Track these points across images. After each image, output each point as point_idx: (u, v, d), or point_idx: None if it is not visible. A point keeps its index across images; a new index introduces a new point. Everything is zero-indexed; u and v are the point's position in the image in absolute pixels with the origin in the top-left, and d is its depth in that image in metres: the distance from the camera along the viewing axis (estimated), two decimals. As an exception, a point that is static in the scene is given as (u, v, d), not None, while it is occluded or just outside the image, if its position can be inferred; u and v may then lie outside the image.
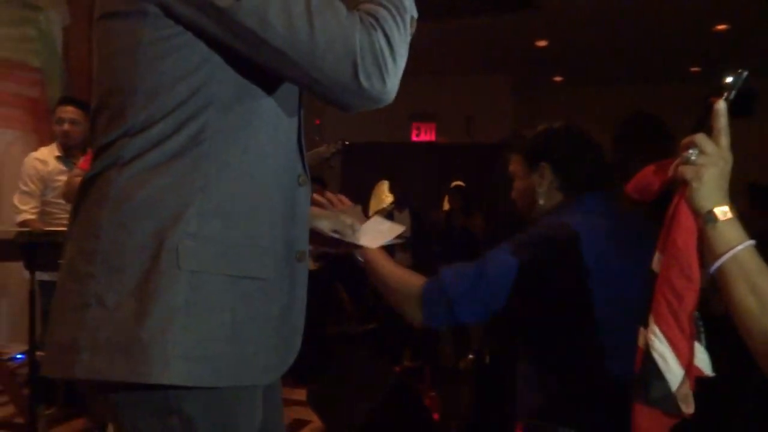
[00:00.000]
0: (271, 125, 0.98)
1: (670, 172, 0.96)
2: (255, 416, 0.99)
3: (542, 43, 5.97)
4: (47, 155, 3.16)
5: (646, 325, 0.99)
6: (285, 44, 0.86)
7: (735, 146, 0.97)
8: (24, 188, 3.10)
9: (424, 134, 7.29)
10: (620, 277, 1.38)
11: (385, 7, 0.91)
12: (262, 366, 0.95)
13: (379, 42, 0.88)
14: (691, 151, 0.93)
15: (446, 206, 5.30)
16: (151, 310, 0.86)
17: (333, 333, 4.81)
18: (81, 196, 0.95)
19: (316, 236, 1.29)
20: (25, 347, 2.86)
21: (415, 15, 0.97)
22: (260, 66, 0.92)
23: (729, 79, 0.99)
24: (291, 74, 0.91)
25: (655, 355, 0.96)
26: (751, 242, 0.90)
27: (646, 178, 1.04)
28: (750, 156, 7.37)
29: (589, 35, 5.70)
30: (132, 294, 0.87)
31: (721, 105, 0.95)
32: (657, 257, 1.00)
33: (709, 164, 0.92)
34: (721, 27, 5.42)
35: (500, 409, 2.96)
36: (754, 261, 0.90)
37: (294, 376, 4.11)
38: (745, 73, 0.99)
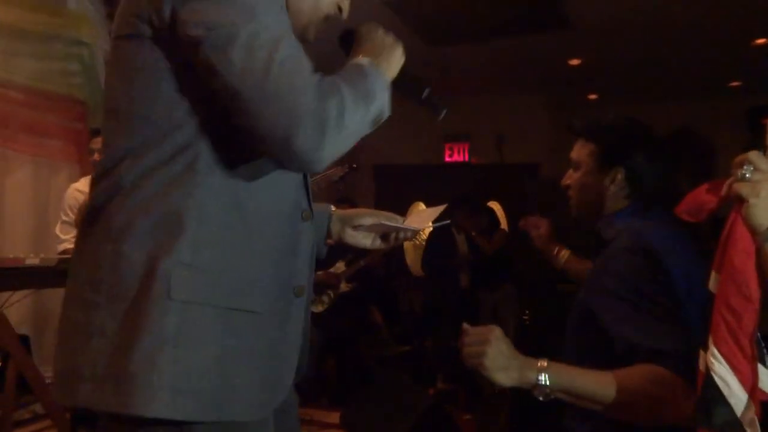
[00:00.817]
0: (266, 161, 0.97)
1: (724, 191, 0.95)
2: None
3: (575, 62, 5.93)
4: (87, 186, 3.27)
5: (705, 348, 0.96)
6: (236, 82, 0.86)
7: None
8: (65, 218, 3.20)
9: (457, 155, 7.29)
10: (700, 297, 1.30)
11: (352, 87, 0.93)
12: (248, 401, 0.93)
13: (329, 111, 0.88)
14: (745, 167, 0.92)
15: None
16: (140, 340, 0.86)
17: (368, 355, 4.80)
18: (88, 225, 0.96)
19: (366, 232, 1.29)
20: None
21: (386, 114, 1.01)
22: None
23: None
24: (235, 115, 0.89)
25: (717, 379, 0.93)
26: None
27: (699, 198, 1.02)
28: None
29: (622, 52, 5.64)
30: (125, 323, 0.88)
31: None
32: (714, 277, 0.97)
33: (765, 180, 0.91)
34: (760, 41, 5.30)
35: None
36: None
37: (330, 398, 4.13)
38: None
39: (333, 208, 1.32)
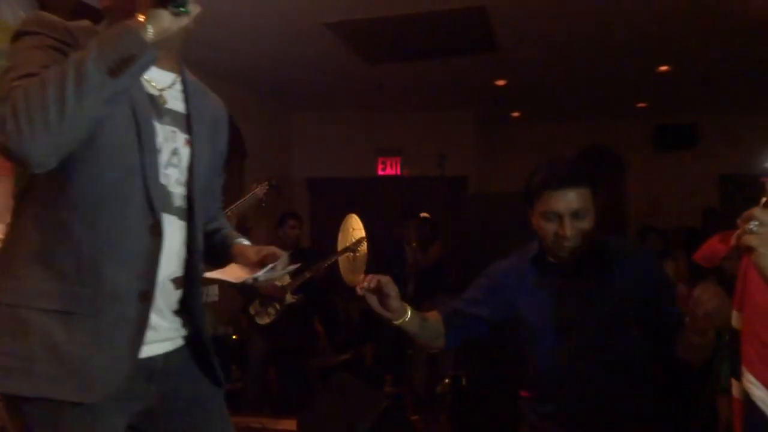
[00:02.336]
0: (107, 174, 1.14)
1: (733, 242, 1.10)
2: None
3: (501, 82, 6.32)
4: None
5: (738, 377, 1.10)
6: None
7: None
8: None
9: (390, 168, 7.53)
10: None
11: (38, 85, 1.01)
12: (47, 384, 1.11)
13: (17, 105, 0.99)
14: (752, 223, 1.08)
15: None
16: None
17: (311, 365, 4.92)
18: None
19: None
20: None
21: (121, 84, 1.04)
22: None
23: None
24: None
25: (759, 403, 1.05)
26: None
27: (713, 247, 1.21)
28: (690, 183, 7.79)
29: (543, 74, 6.07)
30: None
31: None
32: (735, 315, 1.13)
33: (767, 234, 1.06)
34: (663, 68, 5.86)
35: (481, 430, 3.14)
36: None
37: (275, 407, 4.25)
38: None
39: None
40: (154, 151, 1.20)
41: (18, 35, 1.13)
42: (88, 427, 1.14)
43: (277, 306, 4.49)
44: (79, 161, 1.11)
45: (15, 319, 1.14)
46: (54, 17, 1.16)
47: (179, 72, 1.33)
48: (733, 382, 1.14)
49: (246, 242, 1.43)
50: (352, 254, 5.57)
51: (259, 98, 6.52)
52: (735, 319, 1.14)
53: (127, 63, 1.02)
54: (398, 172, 7.49)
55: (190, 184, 1.28)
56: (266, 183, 3.60)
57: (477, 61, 5.64)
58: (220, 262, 1.40)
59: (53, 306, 1.13)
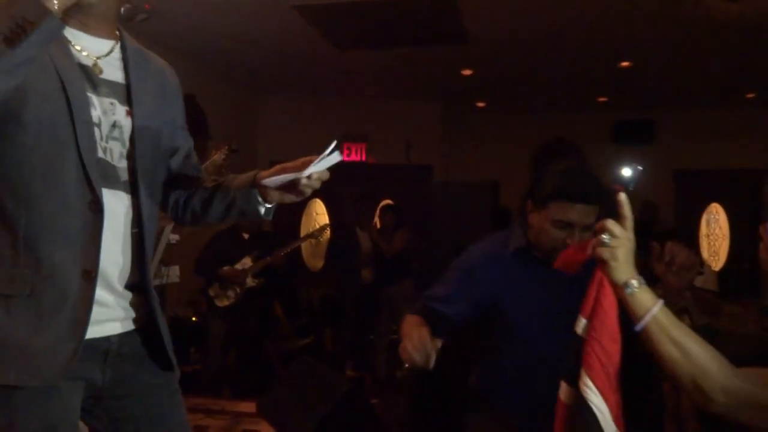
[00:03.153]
0: (38, 150, 1.09)
1: (588, 251, 1.15)
2: (35, 416, 1.11)
3: (468, 72, 6.37)
4: None
5: (572, 383, 1.14)
6: None
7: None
8: None
9: (354, 154, 7.53)
10: None
11: None
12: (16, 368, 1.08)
13: None
14: (605, 234, 1.12)
15: (377, 224, 5.52)
16: None
17: (271, 349, 4.92)
18: None
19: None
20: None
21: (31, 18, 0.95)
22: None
23: (628, 173, 1.23)
24: None
25: (594, 408, 1.10)
26: (661, 302, 1.11)
27: (571, 256, 1.23)
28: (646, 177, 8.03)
29: (509, 65, 6.14)
30: None
31: (622, 196, 1.15)
32: (583, 323, 1.16)
33: (619, 245, 1.11)
34: (625, 63, 6.00)
35: (441, 415, 3.21)
36: (668, 317, 1.10)
37: (234, 390, 4.26)
38: (640, 168, 1.21)
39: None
40: (89, 124, 1.15)
41: None
42: (41, 408, 1.12)
43: (237, 289, 4.47)
44: (6, 138, 1.07)
45: None
46: None
47: (117, 39, 1.26)
48: (563, 385, 1.17)
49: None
50: (314, 240, 5.59)
51: (225, 79, 6.42)
52: (582, 327, 1.17)
53: (25, 30, 0.94)
54: (363, 159, 7.50)
55: (133, 156, 1.23)
56: (226, 147, 3.43)
57: (445, 50, 5.66)
58: (240, 207, 1.33)
59: None
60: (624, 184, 1.22)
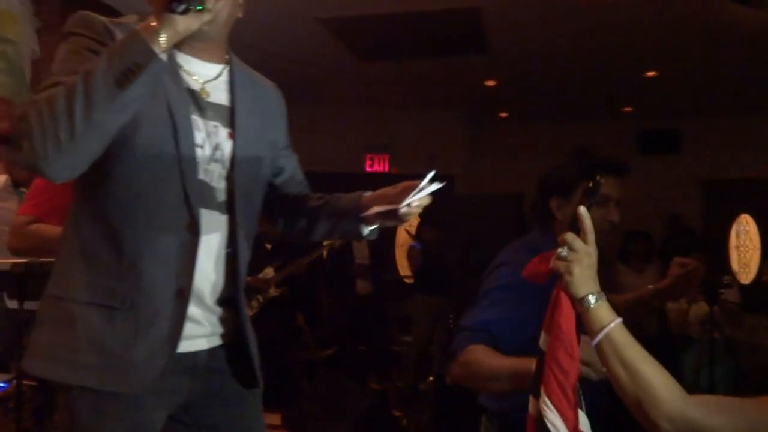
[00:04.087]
0: (144, 171, 1.15)
1: (551, 264, 1.14)
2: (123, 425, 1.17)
3: (491, 83, 6.36)
4: None
5: (537, 396, 1.14)
6: None
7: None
8: None
9: (377, 165, 7.54)
10: None
11: (68, 90, 1.00)
12: (89, 374, 1.14)
13: (43, 120, 1.00)
14: (563, 248, 1.11)
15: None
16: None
17: (294, 360, 4.92)
18: None
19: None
20: (6, 376, 2.89)
21: (135, 93, 1.02)
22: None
23: (589, 185, 1.19)
24: None
25: (549, 425, 1.10)
26: (619, 320, 1.09)
27: (536, 267, 1.21)
28: (673, 187, 7.88)
29: (532, 76, 6.12)
30: None
31: (582, 210, 1.13)
32: (543, 337, 1.16)
33: (575, 260, 1.10)
34: (651, 73, 5.94)
35: (463, 426, 3.18)
36: (622, 336, 1.08)
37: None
38: (602, 180, 1.18)
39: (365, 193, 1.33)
40: (192, 147, 1.19)
41: (63, 37, 1.14)
42: (130, 418, 1.17)
43: (260, 298, 4.49)
44: (116, 160, 1.12)
45: (62, 311, 1.17)
46: (95, 16, 1.16)
47: (226, 62, 1.31)
48: (531, 399, 1.17)
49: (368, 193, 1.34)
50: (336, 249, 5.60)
51: (249, 91, 6.48)
52: (543, 341, 1.16)
53: (134, 73, 1.01)
54: (386, 169, 7.51)
55: (232, 178, 1.26)
56: None
57: (468, 61, 5.67)
58: (342, 225, 1.35)
59: (95, 300, 1.16)
60: (586, 197, 1.20)
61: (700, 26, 4.67)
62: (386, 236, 6.14)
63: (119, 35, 1.12)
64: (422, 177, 1.22)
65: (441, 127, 7.41)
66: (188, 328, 1.21)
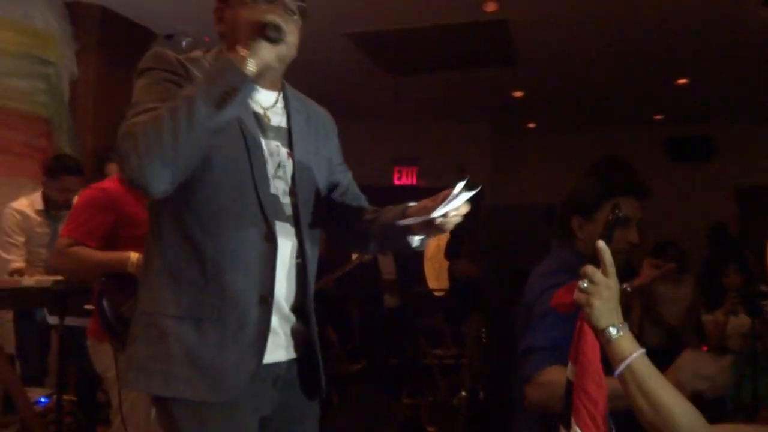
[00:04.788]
0: (223, 189, 1.24)
1: (574, 295, 1.16)
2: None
3: (519, 94, 6.34)
4: (27, 207, 3.29)
5: (568, 426, 1.15)
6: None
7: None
8: (9, 239, 3.22)
9: (406, 177, 7.55)
10: None
11: (170, 110, 1.13)
12: (184, 385, 1.20)
13: (145, 141, 1.11)
14: (583, 281, 1.14)
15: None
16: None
17: (325, 373, 4.92)
18: None
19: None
20: (46, 391, 2.96)
21: (227, 114, 1.15)
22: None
23: (609, 218, 1.24)
24: None
25: None
26: (641, 351, 1.11)
27: (562, 297, 1.24)
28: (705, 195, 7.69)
29: (560, 86, 6.08)
30: None
31: (601, 244, 1.16)
32: (570, 368, 1.18)
33: (596, 293, 1.13)
34: (682, 81, 5.86)
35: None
36: (644, 367, 1.10)
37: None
38: (621, 214, 1.21)
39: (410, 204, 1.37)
40: (263, 164, 1.30)
41: (139, 73, 1.26)
42: (229, 422, 1.23)
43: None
44: (195, 177, 1.21)
45: (153, 325, 1.25)
46: (168, 52, 1.29)
47: (281, 90, 1.43)
48: (561, 428, 1.18)
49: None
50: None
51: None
52: (570, 371, 1.18)
53: (230, 95, 1.14)
54: (414, 182, 7.51)
55: (295, 194, 1.35)
56: None
57: (495, 73, 5.66)
58: (391, 237, 1.40)
59: (184, 313, 1.23)
60: (606, 231, 1.23)
61: (732, 32, 4.59)
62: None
63: (192, 68, 1.27)
64: (455, 186, 1.22)
65: (469, 139, 7.39)
66: (271, 338, 1.27)
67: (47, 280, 2.41)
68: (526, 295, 1.79)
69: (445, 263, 6.16)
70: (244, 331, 1.23)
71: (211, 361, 1.21)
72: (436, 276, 6.60)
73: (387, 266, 5.43)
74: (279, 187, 1.33)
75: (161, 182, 1.12)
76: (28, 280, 2.38)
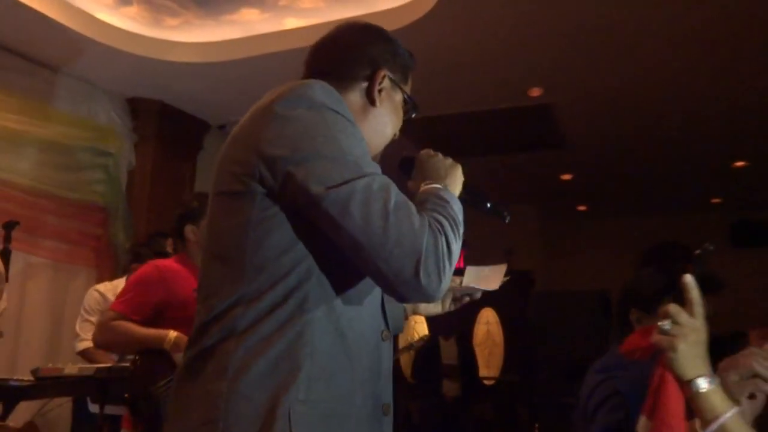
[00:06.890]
0: (359, 290, 1.07)
1: (652, 338, 1.00)
2: None
3: (567, 177, 6.27)
4: (109, 290, 3.34)
5: None
6: (359, 233, 0.96)
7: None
8: (86, 316, 3.27)
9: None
10: None
11: (446, 218, 1.04)
12: None
13: (442, 247, 0.98)
14: (666, 321, 0.98)
15: None
16: None
17: None
18: (199, 365, 1.02)
19: None
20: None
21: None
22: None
23: (696, 252, 1.08)
24: (361, 261, 0.99)
25: None
26: (736, 410, 0.95)
27: (636, 342, 1.12)
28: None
29: (611, 168, 5.99)
30: None
31: (688, 278, 1.01)
32: (644, 422, 1.04)
33: (681, 335, 0.97)
34: (739, 164, 5.69)
35: None
36: (738, 428, 0.94)
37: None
38: (712, 248, 1.07)
39: None
40: None
41: (323, 106, 1.05)
42: None
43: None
44: (335, 278, 1.08)
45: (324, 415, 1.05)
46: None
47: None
48: None
49: None
50: (413, 350, 5.45)
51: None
52: (642, 427, 1.03)
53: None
54: (462, 266, 7.40)
55: None
56: None
57: (542, 156, 5.64)
58: None
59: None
60: (693, 267, 1.06)
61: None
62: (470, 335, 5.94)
63: None
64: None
65: (517, 222, 7.27)
66: None
67: (90, 368, 2.40)
68: (582, 390, 1.72)
69: (496, 350, 5.95)
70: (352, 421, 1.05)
71: None
72: (486, 363, 6.36)
73: (449, 351, 5.27)
74: None
75: (440, 293, 1.00)
76: (71, 368, 2.37)
